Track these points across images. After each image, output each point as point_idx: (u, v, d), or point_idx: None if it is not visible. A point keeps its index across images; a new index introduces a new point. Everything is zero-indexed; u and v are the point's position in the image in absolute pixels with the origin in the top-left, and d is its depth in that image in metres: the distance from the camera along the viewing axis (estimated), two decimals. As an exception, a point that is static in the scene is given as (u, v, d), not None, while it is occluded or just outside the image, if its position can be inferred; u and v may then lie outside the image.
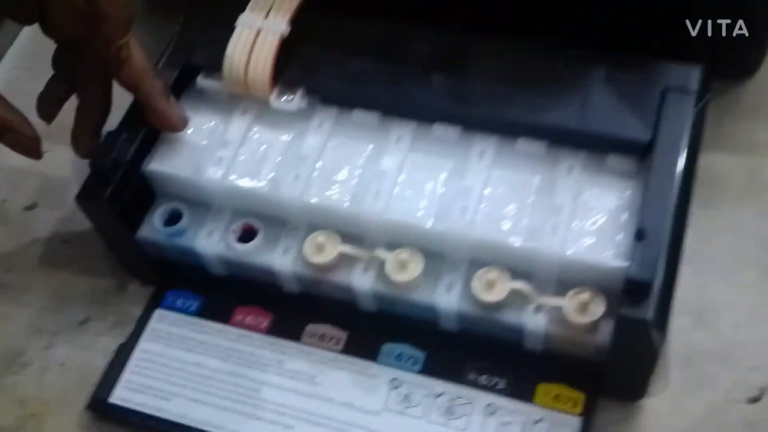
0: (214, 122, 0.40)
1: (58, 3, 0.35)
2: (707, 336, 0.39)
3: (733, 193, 0.43)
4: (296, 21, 0.39)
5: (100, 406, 0.39)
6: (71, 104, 0.39)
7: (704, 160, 0.41)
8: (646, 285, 0.31)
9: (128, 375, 0.39)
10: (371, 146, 0.38)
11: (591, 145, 0.36)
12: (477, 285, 0.35)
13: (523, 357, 0.36)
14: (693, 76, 0.36)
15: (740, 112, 0.45)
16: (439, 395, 0.37)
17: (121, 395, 0.39)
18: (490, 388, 0.37)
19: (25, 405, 0.40)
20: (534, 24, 0.38)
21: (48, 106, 0.38)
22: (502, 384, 0.37)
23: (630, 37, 0.38)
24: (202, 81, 0.40)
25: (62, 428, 0.39)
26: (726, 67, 0.43)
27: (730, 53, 0.43)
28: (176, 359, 0.39)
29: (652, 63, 0.37)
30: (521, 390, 0.37)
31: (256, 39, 0.38)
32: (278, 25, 0.38)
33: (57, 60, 0.38)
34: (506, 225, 0.35)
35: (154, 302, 0.42)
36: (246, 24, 0.39)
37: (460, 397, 0.37)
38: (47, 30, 0.36)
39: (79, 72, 0.38)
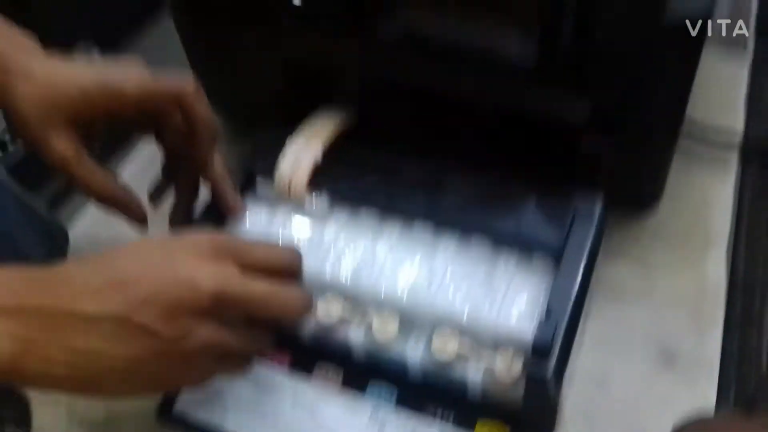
0: (264, 212, 0.49)
1: (168, 125, 0.45)
2: (603, 397, 0.45)
3: (631, 293, 0.50)
4: (327, 149, 0.48)
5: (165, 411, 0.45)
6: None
7: (611, 268, 0.49)
8: (546, 350, 0.38)
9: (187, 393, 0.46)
10: (370, 236, 0.47)
11: (521, 246, 0.44)
12: (435, 343, 0.42)
13: (466, 399, 0.43)
14: (595, 203, 0.44)
15: (641, 235, 0.53)
16: (407, 422, 0.44)
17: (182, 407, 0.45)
18: (443, 420, 0.43)
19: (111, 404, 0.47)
20: (488, 160, 0.46)
21: (155, 196, 0.48)
22: (451, 417, 0.43)
23: (558, 174, 0.46)
24: (259, 184, 0.50)
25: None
26: (632, 201, 0.51)
27: (635, 191, 0.51)
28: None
29: (567, 192, 0.45)
30: (465, 423, 0.43)
31: (298, 159, 0.47)
32: (315, 151, 0.48)
33: (164, 164, 0.47)
34: (458, 300, 0.43)
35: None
36: (293, 149, 0.48)
37: (421, 425, 0.43)
38: (159, 142, 0.46)
39: (180, 172, 0.47)
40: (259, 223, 0.48)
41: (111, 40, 0.80)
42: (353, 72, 0.51)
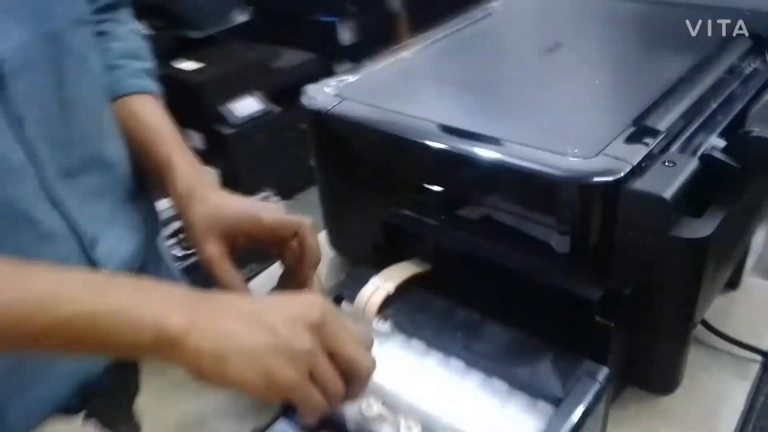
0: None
1: (287, 248, 0.59)
2: None
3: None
4: (399, 287, 0.60)
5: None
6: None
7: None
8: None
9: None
10: (415, 359, 0.57)
11: (531, 392, 0.52)
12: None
13: None
14: (601, 371, 0.51)
15: (653, 412, 0.57)
16: None
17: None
18: None
19: None
20: (521, 318, 0.55)
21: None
22: None
23: (576, 339, 0.54)
24: (344, 305, 0.62)
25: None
26: (643, 382, 0.56)
27: (644, 375, 0.56)
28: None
29: (580, 357, 0.52)
30: None
31: (374, 291, 0.59)
32: (389, 288, 0.60)
33: (281, 276, 0.61)
34: (472, 422, 0.51)
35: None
36: (373, 283, 0.61)
37: None
38: (279, 259, 0.60)
39: (289, 284, 0.60)
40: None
41: (285, 192, 1.01)
42: (434, 238, 0.64)
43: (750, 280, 0.68)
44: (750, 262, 0.68)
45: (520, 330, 0.56)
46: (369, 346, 0.51)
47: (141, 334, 0.44)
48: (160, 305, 0.44)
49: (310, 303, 0.47)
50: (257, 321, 0.45)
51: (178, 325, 0.44)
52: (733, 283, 0.66)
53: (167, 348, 0.44)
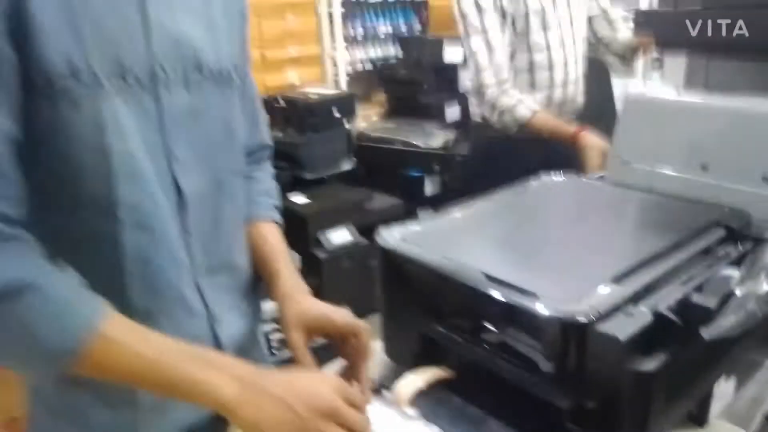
0: (379, 406, 0.76)
1: (348, 344, 0.77)
2: None
3: None
4: (428, 384, 0.75)
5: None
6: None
7: None
8: None
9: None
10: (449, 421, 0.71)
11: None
12: None
13: None
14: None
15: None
16: None
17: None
18: None
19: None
20: (517, 416, 0.69)
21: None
22: None
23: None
24: (384, 392, 0.77)
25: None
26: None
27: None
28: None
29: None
30: None
31: (408, 385, 0.75)
32: (419, 383, 0.76)
33: (342, 366, 0.78)
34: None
35: None
36: (408, 379, 0.77)
37: None
38: (342, 353, 0.78)
39: (345, 372, 0.77)
40: (373, 409, 0.76)
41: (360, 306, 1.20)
42: (457, 352, 0.80)
43: (717, 422, 0.78)
44: (717, 407, 0.78)
45: (514, 426, 0.70)
46: (364, 409, 0.67)
47: (205, 399, 0.64)
48: (221, 380, 0.64)
49: (325, 387, 0.65)
50: (284, 402, 0.62)
51: (230, 396, 0.63)
52: (699, 421, 0.77)
53: (221, 410, 0.64)
